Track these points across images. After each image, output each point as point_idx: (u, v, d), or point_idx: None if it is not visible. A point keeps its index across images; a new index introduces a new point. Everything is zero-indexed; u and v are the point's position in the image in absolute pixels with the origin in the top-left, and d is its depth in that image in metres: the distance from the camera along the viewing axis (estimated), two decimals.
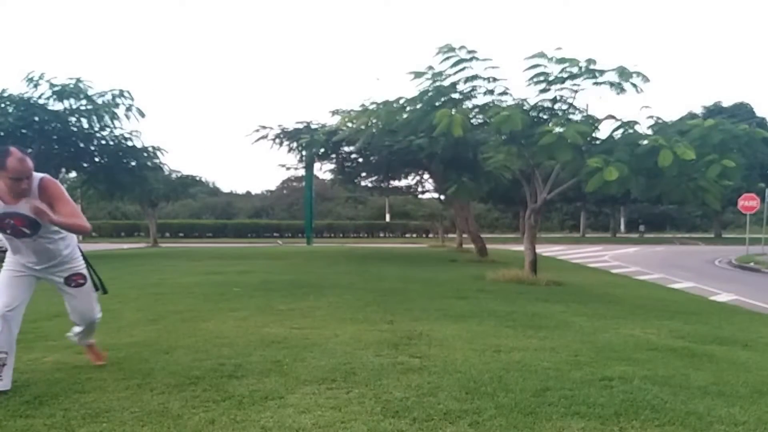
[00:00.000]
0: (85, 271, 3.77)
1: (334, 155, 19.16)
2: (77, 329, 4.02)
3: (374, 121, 12.31)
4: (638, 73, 9.45)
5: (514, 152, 10.98)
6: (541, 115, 10.52)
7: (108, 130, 19.42)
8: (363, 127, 12.72)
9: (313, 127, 17.86)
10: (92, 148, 19.97)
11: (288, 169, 23.92)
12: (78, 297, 3.77)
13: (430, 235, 40.90)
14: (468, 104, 11.07)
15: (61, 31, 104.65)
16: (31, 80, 17.66)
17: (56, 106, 18.27)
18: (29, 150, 19.31)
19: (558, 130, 9.29)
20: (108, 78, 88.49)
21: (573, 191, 15.99)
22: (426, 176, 22.23)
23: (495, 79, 10.34)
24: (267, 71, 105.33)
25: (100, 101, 18.42)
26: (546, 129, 9.42)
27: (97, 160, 20.50)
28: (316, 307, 7.09)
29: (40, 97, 17.91)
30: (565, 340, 5.19)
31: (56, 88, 17.86)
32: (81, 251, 3.80)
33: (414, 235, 43.33)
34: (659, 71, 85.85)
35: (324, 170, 23.17)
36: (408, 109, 11.51)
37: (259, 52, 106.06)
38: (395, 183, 24.17)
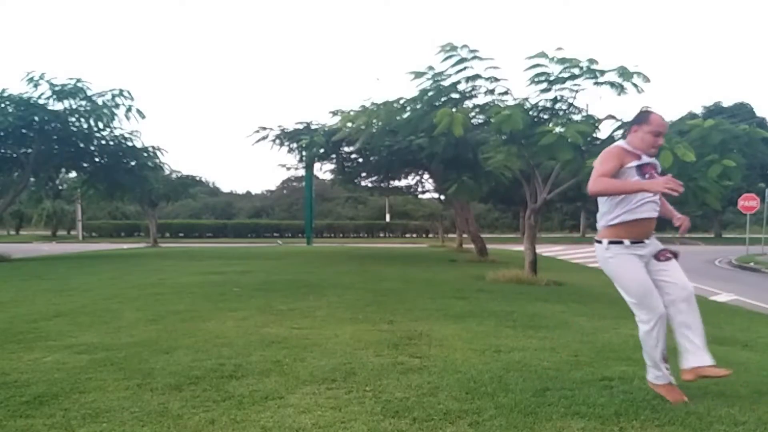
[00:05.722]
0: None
1: (334, 155, 19.12)
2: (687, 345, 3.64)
3: (374, 121, 12.29)
4: (639, 73, 9.43)
5: (514, 152, 10.96)
6: (541, 114, 10.50)
7: (108, 130, 19.41)
8: (363, 127, 12.71)
9: (313, 127, 17.84)
10: (92, 148, 19.93)
11: (288, 169, 23.88)
12: (670, 269, 3.61)
13: (430, 235, 40.91)
14: (468, 104, 11.05)
15: (61, 31, 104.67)
16: (31, 80, 17.63)
17: (56, 106, 18.23)
18: (29, 150, 19.37)
19: (558, 130, 9.27)
20: (108, 78, 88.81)
21: (573, 191, 15.95)
22: (426, 176, 22.20)
23: (496, 79, 10.31)
24: (267, 71, 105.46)
25: (99, 101, 18.39)
26: (546, 129, 9.40)
27: (97, 160, 20.45)
28: (316, 307, 7.09)
29: (40, 97, 17.87)
30: (565, 340, 5.19)
31: (56, 88, 17.83)
32: None
33: (414, 235, 43.33)
34: (659, 71, 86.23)
35: (324, 170, 23.15)
36: (408, 108, 11.49)
37: (260, 52, 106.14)
38: (395, 183, 24.12)
